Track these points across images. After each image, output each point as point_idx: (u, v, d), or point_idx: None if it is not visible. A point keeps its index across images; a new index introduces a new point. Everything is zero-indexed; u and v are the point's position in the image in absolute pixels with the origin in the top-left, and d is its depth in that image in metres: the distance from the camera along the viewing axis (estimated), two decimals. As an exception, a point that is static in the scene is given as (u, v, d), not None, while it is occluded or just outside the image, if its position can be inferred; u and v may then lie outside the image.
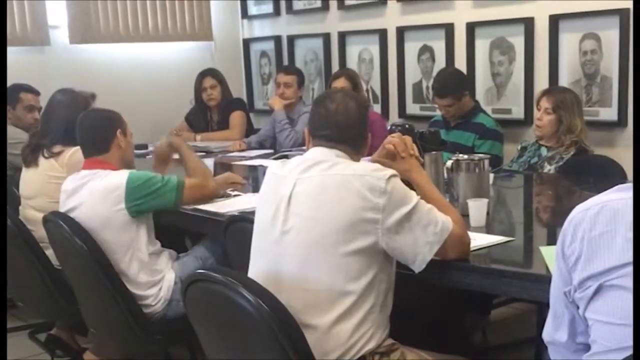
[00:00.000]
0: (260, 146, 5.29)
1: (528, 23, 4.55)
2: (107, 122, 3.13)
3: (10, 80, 4.61)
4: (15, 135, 4.31)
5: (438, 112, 4.94)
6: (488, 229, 2.65)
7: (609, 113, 4.27)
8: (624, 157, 3.91)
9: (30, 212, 3.53)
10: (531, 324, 3.90)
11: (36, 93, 4.51)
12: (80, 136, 3.12)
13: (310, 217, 2.13)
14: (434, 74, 5.13)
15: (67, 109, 3.54)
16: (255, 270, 2.26)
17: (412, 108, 5.40)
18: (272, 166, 2.36)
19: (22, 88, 4.51)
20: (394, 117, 5.49)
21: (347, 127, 2.28)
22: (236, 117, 5.64)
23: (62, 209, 3.05)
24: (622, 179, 3.49)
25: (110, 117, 3.15)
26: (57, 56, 5.78)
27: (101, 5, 5.90)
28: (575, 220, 1.57)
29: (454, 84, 4.46)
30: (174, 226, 3.32)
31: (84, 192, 2.98)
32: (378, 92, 5.60)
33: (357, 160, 2.30)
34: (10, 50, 5.52)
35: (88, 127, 3.11)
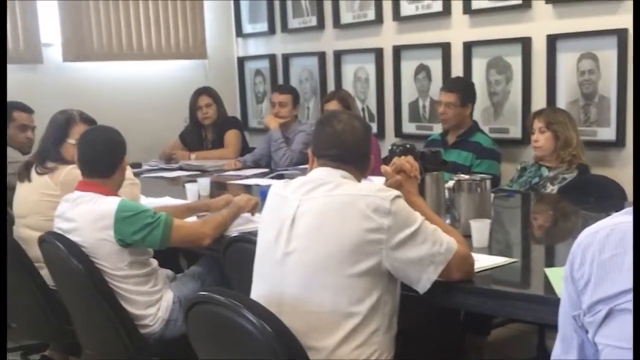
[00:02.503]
0: (256, 165, 5.27)
1: (525, 43, 4.55)
2: (115, 146, 3.00)
3: (3, 98, 4.56)
4: (8, 155, 4.25)
5: (434, 132, 4.95)
6: (490, 249, 2.63)
7: (607, 133, 4.26)
8: (622, 177, 3.91)
9: (24, 230, 3.49)
10: (531, 345, 3.89)
11: (29, 111, 4.45)
12: (84, 154, 2.99)
13: (314, 239, 2.11)
14: (431, 93, 5.15)
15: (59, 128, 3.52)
16: (258, 291, 2.24)
17: (408, 127, 5.39)
18: (275, 186, 2.34)
19: (16, 106, 4.44)
20: (390, 136, 5.48)
21: (354, 148, 2.28)
22: (231, 136, 5.63)
23: (57, 231, 2.99)
24: (622, 200, 3.49)
25: (118, 140, 3.01)
26: (50, 74, 5.75)
27: (95, 23, 5.88)
28: (584, 244, 1.54)
29: (465, 86, 4.55)
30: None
31: (76, 215, 2.91)
32: (374, 111, 5.59)
33: (361, 180, 2.29)
34: (3, 68, 5.52)
35: (94, 149, 2.97)
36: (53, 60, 5.77)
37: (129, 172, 3.46)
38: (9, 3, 5.46)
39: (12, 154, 4.26)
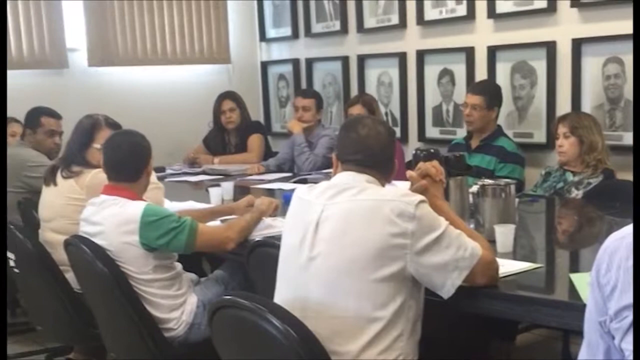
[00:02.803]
0: (279, 169, 5.28)
1: (550, 47, 4.52)
2: (141, 150, 3.01)
3: (29, 103, 4.61)
4: (35, 159, 4.29)
5: (458, 136, 4.93)
6: (514, 255, 2.62)
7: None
8: (649, 182, 3.87)
9: (50, 234, 3.51)
10: (556, 351, 3.86)
11: (57, 117, 4.47)
12: (109, 159, 3.00)
13: (338, 243, 2.11)
14: (454, 97, 5.14)
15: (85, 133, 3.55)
16: (281, 296, 2.24)
17: (432, 131, 5.37)
18: (299, 191, 2.35)
19: (44, 112, 4.46)
20: (413, 140, 5.47)
21: (378, 152, 2.29)
22: (254, 140, 5.64)
23: (83, 234, 3.01)
24: (648, 204, 3.44)
25: (144, 145, 3.02)
26: (76, 79, 5.80)
27: (120, 28, 5.93)
28: (611, 249, 1.53)
29: (492, 89, 4.54)
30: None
31: (102, 219, 2.92)
32: (397, 115, 5.58)
33: (385, 185, 2.29)
34: (29, 73, 5.59)
35: (120, 154, 2.98)
36: (78, 65, 5.82)
37: (152, 176, 3.49)
38: (34, 8, 5.53)
39: (39, 158, 4.30)
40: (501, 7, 4.75)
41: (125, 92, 5.98)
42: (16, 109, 4.79)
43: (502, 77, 4.81)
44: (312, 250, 2.15)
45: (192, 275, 3.20)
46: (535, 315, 2.21)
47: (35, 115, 4.44)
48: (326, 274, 2.12)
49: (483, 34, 4.91)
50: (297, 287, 2.18)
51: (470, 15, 4.93)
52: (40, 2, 5.55)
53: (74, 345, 3.72)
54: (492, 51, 4.84)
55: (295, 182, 4.50)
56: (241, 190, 4.33)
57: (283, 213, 3.13)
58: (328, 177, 4.14)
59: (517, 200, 3.10)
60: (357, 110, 4.84)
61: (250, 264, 2.80)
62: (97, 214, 2.95)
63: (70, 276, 3.22)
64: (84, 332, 3.25)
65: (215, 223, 3.30)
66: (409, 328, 2.13)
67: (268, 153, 5.69)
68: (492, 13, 4.81)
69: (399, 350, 2.10)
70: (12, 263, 3.37)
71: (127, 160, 2.98)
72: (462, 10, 4.98)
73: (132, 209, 2.88)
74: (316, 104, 5.33)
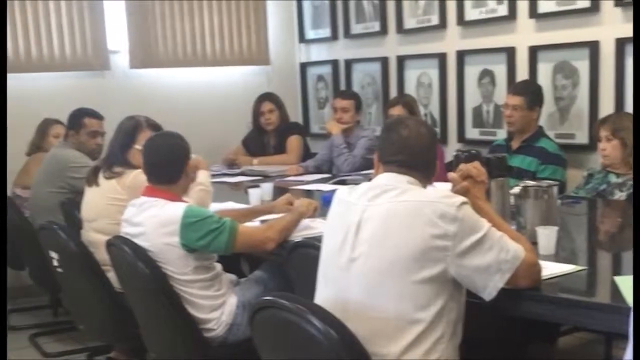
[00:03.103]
0: (318, 170, 5.28)
1: (593, 47, 4.46)
2: (179, 151, 3.03)
3: (72, 105, 4.66)
4: (78, 160, 4.33)
5: (498, 137, 4.89)
6: (556, 257, 2.59)
7: (678, 138, 4.14)
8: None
9: (92, 234, 3.56)
10: (598, 354, 3.80)
11: (100, 118, 4.52)
12: (148, 161, 3.03)
13: (379, 245, 2.11)
14: (495, 97, 5.10)
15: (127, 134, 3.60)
16: (322, 297, 2.24)
17: (472, 132, 5.34)
18: (340, 193, 2.34)
19: (87, 113, 4.50)
20: (452, 141, 5.44)
21: (420, 154, 2.28)
22: (293, 142, 5.65)
23: (124, 236, 3.04)
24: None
25: (182, 146, 3.05)
26: (117, 81, 5.87)
27: (160, 30, 5.99)
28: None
29: (533, 89, 4.50)
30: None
31: (143, 220, 2.94)
32: (437, 116, 5.55)
33: (426, 187, 2.28)
34: (71, 75, 5.67)
35: (158, 155, 3.02)
36: (120, 66, 5.89)
37: (205, 177, 3.51)
38: (77, 10, 5.60)
39: (82, 159, 4.34)
40: (543, 7, 4.70)
41: (166, 94, 6.03)
42: (59, 110, 4.86)
43: (544, 77, 4.76)
44: (353, 251, 2.15)
45: (232, 276, 3.22)
46: (577, 318, 2.20)
47: (78, 117, 4.48)
48: (367, 275, 2.12)
49: (524, 34, 4.86)
50: (338, 288, 2.18)
51: (512, 15, 4.88)
52: (83, 5, 5.62)
53: (114, 344, 3.75)
54: (534, 51, 4.79)
55: (334, 183, 4.50)
56: (280, 191, 4.33)
57: (322, 214, 3.14)
58: (367, 178, 4.14)
59: (559, 201, 3.07)
60: (397, 111, 4.83)
61: (289, 264, 2.81)
62: (138, 215, 2.98)
63: (111, 276, 3.25)
64: (124, 331, 3.28)
65: (254, 224, 3.31)
66: (450, 330, 2.12)
67: (307, 154, 5.69)
68: (533, 13, 4.76)
69: (439, 352, 2.09)
70: (55, 263, 3.42)
71: (165, 163, 3.01)
72: (503, 10, 4.94)
73: (172, 211, 2.89)
74: (355, 105, 5.32)
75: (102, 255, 3.24)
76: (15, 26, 5.40)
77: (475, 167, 2.47)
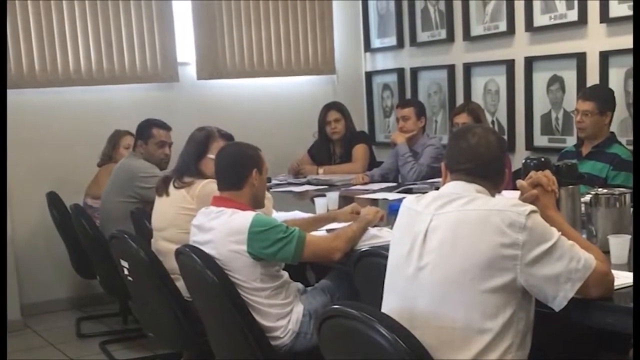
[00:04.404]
0: (383, 179, 5.26)
1: (667, 51, 4.34)
2: (244, 158, 3.09)
3: (142, 116, 4.75)
4: (147, 170, 4.42)
5: (568, 144, 4.80)
6: (629, 266, 2.52)
7: None
8: None
9: (162, 243, 3.61)
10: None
11: (168, 129, 4.59)
12: (217, 167, 3.11)
13: (447, 254, 2.09)
14: (564, 104, 5.01)
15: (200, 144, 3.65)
16: (389, 306, 2.23)
17: (540, 140, 5.25)
18: (407, 201, 2.34)
19: (155, 124, 4.59)
20: (520, 149, 5.36)
21: (488, 162, 2.26)
22: (359, 150, 5.65)
23: (193, 244, 3.08)
24: None
25: (249, 154, 3.10)
26: (185, 92, 5.97)
27: (227, 41, 6.07)
28: None
29: (604, 94, 4.39)
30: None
31: (211, 229, 2.98)
32: (504, 124, 5.48)
33: (495, 195, 2.26)
34: (141, 87, 5.79)
35: (224, 161, 3.09)
36: (188, 78, 5.99)
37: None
38: (147, 25, 5.71)
39: (151, 169, 4.42)
40: (615, 11, 4.60)
41: (233, 104, 6.10)
42: (130, 122, 4.95)
43: (615, 82, 4.65)
44: (420, 260, 2.14)
45: (299, 285, 3.22)
46: (652, 330, 2.13)
47: (147, 127, 4.56)
48: (435, 284, 2.10)
49: (595, 39, 4.77)
50: (405, 298, 2.17)
51: (582, 20, 4.80)
52: (153, 17, 5.74)
53: (183, 351, 3.79)
54: (605, 56, 4.70)
55: (400, 192, 4.48)
56: (346, 200, 4.33)
57: (388, 223, 3.12)
58: (433, 186, 4.09)
59: (632, 209, 2.99)
60: (462, 118, 4.79)
61: (356, 273, 2.80)
62: (206, 224, 3.02)
63: (180, 284, 3.29)
64: (193, 339, 3.31)
65: (321, 233, 3.31)
66: (518, 340, 2.09)
67: (372, 163, 5.68)
68: (605, 17, 4.66)
69: (508, 362, 2.06)
70: (125, 271, 3.48)
71: (230, 168, 3.06)
72: (573, 16, 4.85)
73: (240, 219, 2.92)
74: (415, 112, 5.28)
75: (171, 264, 3.29)
76: (88, 41, 5.54)
77: (545, 176, 2.43)
